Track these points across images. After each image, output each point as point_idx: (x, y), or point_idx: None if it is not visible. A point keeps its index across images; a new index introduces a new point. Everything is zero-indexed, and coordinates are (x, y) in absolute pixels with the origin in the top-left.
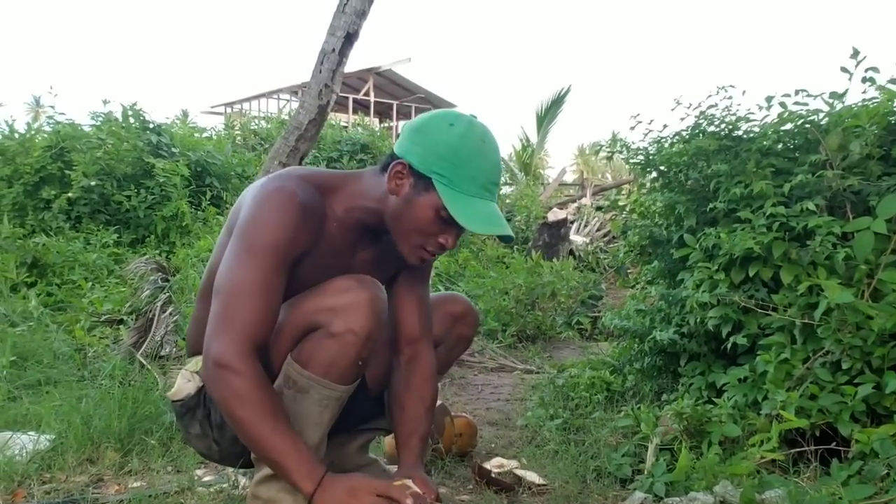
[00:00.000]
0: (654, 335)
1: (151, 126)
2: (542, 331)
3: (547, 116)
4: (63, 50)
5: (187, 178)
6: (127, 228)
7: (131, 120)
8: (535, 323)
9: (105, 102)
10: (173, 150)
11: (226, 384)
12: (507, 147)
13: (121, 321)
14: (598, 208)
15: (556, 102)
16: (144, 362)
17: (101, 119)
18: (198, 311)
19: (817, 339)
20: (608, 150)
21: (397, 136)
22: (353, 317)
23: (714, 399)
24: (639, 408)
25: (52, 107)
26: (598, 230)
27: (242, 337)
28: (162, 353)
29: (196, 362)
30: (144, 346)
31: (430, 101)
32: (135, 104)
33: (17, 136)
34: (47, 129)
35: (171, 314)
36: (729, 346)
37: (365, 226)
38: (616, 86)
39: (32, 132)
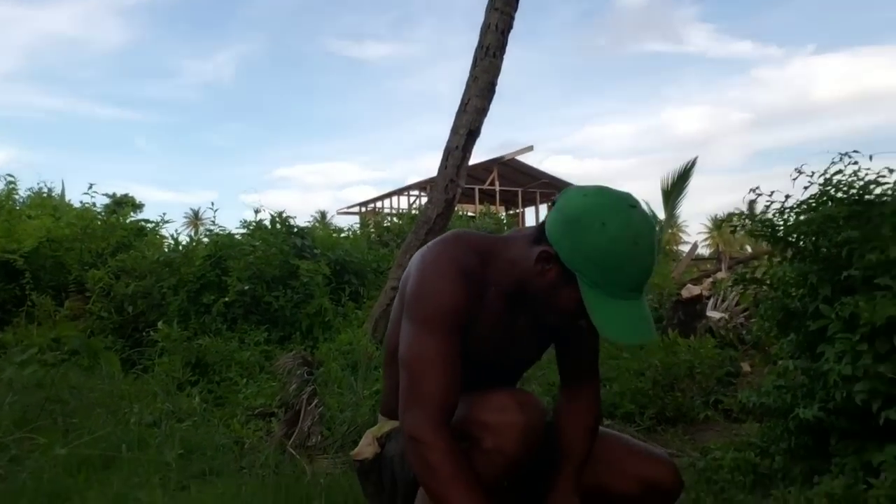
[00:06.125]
0: (798, 412)
1: (295, 230)
2: (682, 412)
3: (674, 192)
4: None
5: (328, 277)
6: (275, 326)
7: (278, 226)
8: (675, 404)
9: (256, 212)
10: (315, 251)
11: (419, 458)
12: None
13: (272, 414)
14: (735, 281)
15: (682, 177)
16: (294, 452)
17: (251, 227)
18: (385, 378)
19: None
20: (730, 224)
21: (524, 222)
22: (503, 439)
23: (870, 479)
24: (789, 491)
25: (213, 220)
26: (736, 305)
27: (432, 409)
28: (309, 444)
29: (380, 426)
30: (293, 437)
31: (553, 185)
32: (282, 212)
33: (181, 248)
34: (205, 239)
35: (316, 405)
36: (881, 421)
37: (517, 294)
38: (749, 148)
39: (193, 244)
